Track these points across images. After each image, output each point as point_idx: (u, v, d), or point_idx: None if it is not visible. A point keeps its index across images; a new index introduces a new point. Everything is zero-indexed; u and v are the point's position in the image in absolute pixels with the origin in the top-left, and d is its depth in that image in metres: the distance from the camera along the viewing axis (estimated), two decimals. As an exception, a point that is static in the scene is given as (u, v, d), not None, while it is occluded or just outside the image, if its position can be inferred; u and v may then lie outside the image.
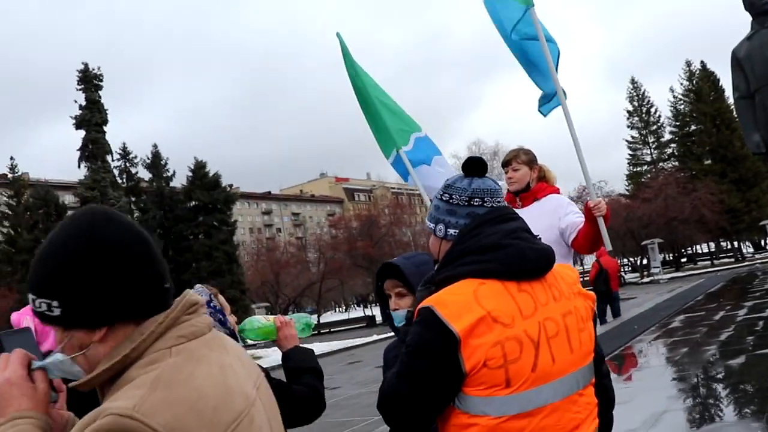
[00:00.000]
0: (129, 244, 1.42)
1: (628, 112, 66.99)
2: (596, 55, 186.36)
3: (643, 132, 66.52)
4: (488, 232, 2.21)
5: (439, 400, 2.11)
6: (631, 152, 67.41)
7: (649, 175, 62.72)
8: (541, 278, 2.20)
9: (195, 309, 1.50)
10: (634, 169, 66.80)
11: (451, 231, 2.28)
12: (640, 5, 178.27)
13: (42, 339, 3.16)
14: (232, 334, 2.95)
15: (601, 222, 4.58)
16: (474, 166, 2.39)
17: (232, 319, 3.02)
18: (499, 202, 2.32)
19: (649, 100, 66.70)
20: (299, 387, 2.87)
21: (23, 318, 3.20)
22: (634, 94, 66.73)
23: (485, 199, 2.30)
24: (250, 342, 3.15)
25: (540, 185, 4.95)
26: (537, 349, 2.07)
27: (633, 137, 66.95)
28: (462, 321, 2.02)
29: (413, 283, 2.90)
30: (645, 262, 53.97)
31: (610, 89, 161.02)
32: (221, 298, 3.03)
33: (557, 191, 5.03)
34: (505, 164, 5.02)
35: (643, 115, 66.41)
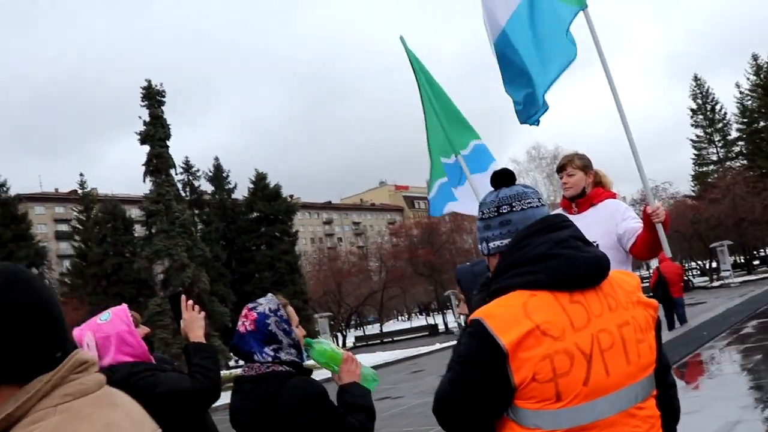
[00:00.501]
0: (26, 309, 1.39)
1: (692, 110, 65.56)
2: (655, 53, 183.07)
3: (708, 130, 65.00)
4: (537, 242, 2.15)
5: (490, 409, 2.08)
6: (696, 152, 65.98)
7: (716, 175, 61.18)
8: (595, 287, 2.13)
9: (85, 367, 1.46)
10: (700, 169, 65.30)
11: (492, 244, 2.26)
12: (701, 1, 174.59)
13: (103, 353, 3.26)
14: (295, 346, 2.99)
15: (660, 228, 4.44)
16: (500, 178, 2.37)
17: (299, 331, 3.05)
18: (529, 203, 2.27)
19: (713, 97, 65.15)
20: (352, 420, 2.86)
21: (85, 334, 3.31)
22: (698, 91, 65.25)
23: (513, 204, 2.26)
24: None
25: (596, 190, 4.85)
26: (589, 362, 2.01)
27: (698, 136, 65.51)
28: (510, 334, 1.98)
29: (470, 291, 2.92)
30: (714, 265, 52.66)
31: (671, 87, 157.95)
32: (290, 309, 3.07)
33: (614, 196, 4.94)
34: (560, 169, 4.94)
35: (708, 113, 64.89)
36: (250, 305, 3.06)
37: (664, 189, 55.33)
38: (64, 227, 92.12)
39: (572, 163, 4.85)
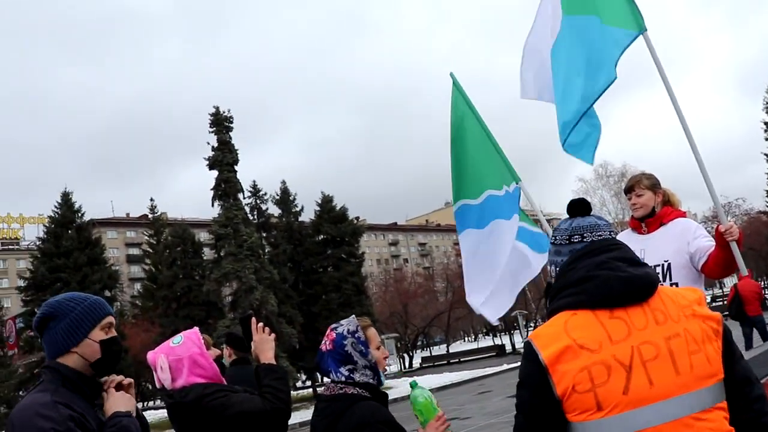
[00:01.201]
0: None
1: (766, 123, 63.86)
2: (726, 67, 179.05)
3: (782, 145, 63.15)
4: (580, 266, 2.35)
5: (548, 428, 2.23)
6: (770, 167, 64.19)
7: (791, 191, 59.44)
8: (642, 303, 2.26)
9: None
10: (774, 185, 63.48)
11: (558, 270, 2.45)
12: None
13: (176, 375, 3.40)
14: (372, 368, 3.09)
15: (734, 246, 4.44)
16: (576, 207, 2.54)
17: (379, 353, 3.13)
18: (599, 236, 2.43)
19: (787, 111, 63.27)
20: None
21: (158, 357, 3.47)
22: (771, 104, 63.51)
23: (584, 235, 2.44)
24: (386, 373, 3.31)
25: (665, 209, 4.88)
26: (629, 372, 2.15)
27: (771, 151, 63.69)
28: (549, 349, 2.19)
29: None
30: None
31: (743, 101, 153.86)
32: (371, 331, 3.18)
33: (683, 215, 4.96)
34: (628, 190, 4.99)
35: (782, 127, 63.09)
36: (333, 325, 3.20)
37: (737, 205, 54.18)
38: (135, 251, 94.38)
39: (640, 184, 4.90)
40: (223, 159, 35.77)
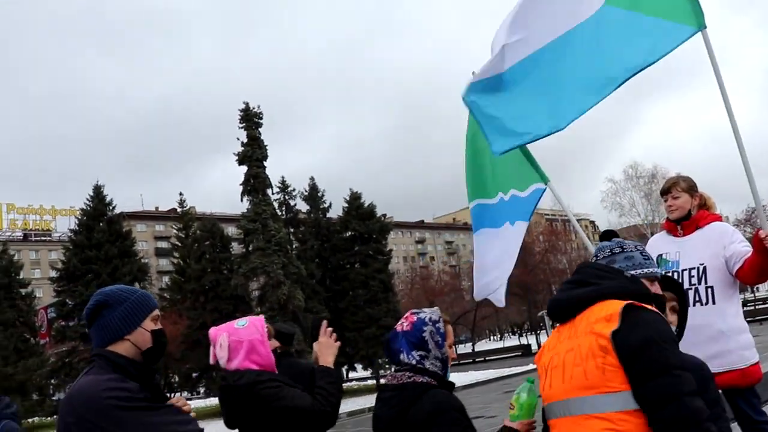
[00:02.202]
0: None
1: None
2: (760, 67, 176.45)
3: (817, 147, 62.38)
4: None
5: None
6: (802, 170, 63.47)
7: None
8: (572, 319, 2.69)
9: None
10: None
11: None
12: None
13: (232, 356, 3.49)
14: (442, 361, 3.10)
15: None
16: (604, 235, 3.07)
17: (450, 352, 3.15)
18: (594, 259, 2.92)
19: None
20: None
21: (220, 334, 3.57)
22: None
23: (598, 255, 2.92)
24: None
25: (702, 213, 4.89)
26: (545, 375, 2.74)
27: (808, 152, 62.87)
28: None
29: (686, 302, 3.25)
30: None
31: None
32: (449, 328, 3.20)
33: (720, 218, 4.97)
34: (664, 192, 5.00)
35: (815, 130, 62.29)
36: (415, 311, 3.22)
37: (769, 209, 53.39)
38: (163, 244, 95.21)
39: (677, 186, 4.91)
40: (253, 154, 36.00)
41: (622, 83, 4.95)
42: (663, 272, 4.62)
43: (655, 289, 2.82)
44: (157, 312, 2.99)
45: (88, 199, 40.41)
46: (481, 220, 6.37)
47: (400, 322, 3.18)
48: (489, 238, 6.28)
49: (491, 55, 5.52)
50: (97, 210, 40.05)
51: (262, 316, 3.74)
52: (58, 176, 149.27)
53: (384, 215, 48.33)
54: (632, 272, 2.77)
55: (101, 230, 39.00)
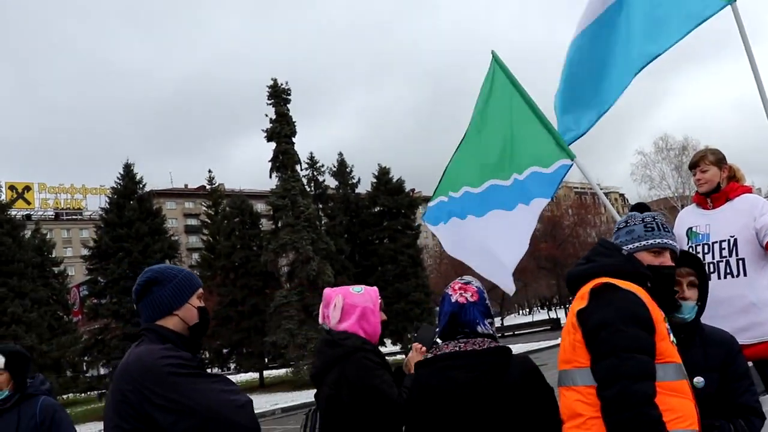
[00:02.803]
0: None
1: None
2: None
3: None
4: None
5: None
6: (837, 140, 62.34)
7: None
8: (576, 294, 2.83)
9: None
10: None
11: None
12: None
13: (344, 318, 3.52)
14: (491, 336, 3.13)
15: None
16: (634, 209, 3.19)
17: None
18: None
19: None
20: None
21: (335, 295, 3.62)
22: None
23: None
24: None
25: (731, 185, 4.84)
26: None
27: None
28: None
29: (705, 277, 3.23)
30: None
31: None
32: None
33: (750, 190, 4.92)
34: (693, 166, 4.97)
35: None
36: (461, 280, 3.29)
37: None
38: (193, 221, 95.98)
39: (706, 159, 4.87)
40: (281, 131, 36.03)
41: (655, 58, 5.15)
42: (692, 245, 4.64)
43: (661, 260, 2.90)
44: (201, 290, 3.13)
45: (118, 178, 40.62)
46: (492, 201, 6.23)
47: (459, 294, 3.17)
48: (501, 219, 6.15)
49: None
50: (128, 188, 40.28)
51: (375, 287, 3.79)
52: (89, 155, 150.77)
53: (413, 190, 48.33)
54: (630, 246, 2.95)
55: (132, 208, 39.22)
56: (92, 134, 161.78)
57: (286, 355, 34.33)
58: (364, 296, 3.59)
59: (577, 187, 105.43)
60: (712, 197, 4.84)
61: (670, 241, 2.98)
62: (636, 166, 58.58)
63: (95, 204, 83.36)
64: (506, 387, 2.90)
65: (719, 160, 4.88)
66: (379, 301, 3.67)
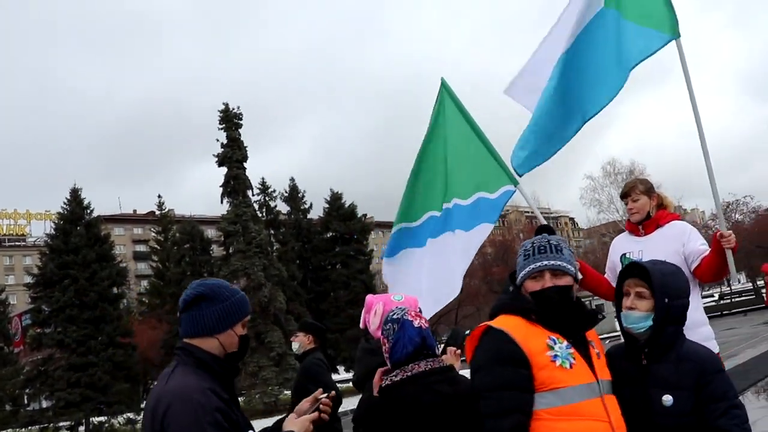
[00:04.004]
0: None
1: (773, 122, 63.58)
2: (735, 66, 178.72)
3: (791, 143, 62.93)
4: None
5: None
6: (778, 165, 63.96)
7: (799, 188, 59.18)
8: None
9: None
10: (784, 182, 63.26)
11: None
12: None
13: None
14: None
15: (729, 254, 4.61)
16: (538, 232, 3.19)
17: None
18: None
19: (795, 109, 63.04)
20: None
21: (377, 301, 3.80)
22: (779, 103, 63.26)
23: None
24: None
25: (661, 212, 5.05)
26: None
27: (780, 149, 63.45)
28: None
29: (656, 287, 3.05)
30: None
31: (749, 101, 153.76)
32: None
33: (678, 217, 5.15)
34: (624, 196, 5.16)
35: (790, 126, 62.84)
36: (401, 308, 3.39)
37: (745, 203, 53.82)
38: (142, 248, 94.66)
39: (636, 189, 5.09)
40: (233, 155, 35.79)
41: (614, 95, 5.36)
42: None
43: (541, 283, 2.92)
44: (248, 318, 3.00)
45: (65, 203, 39.77)
46: (426, 233, 6.35)
47: (416, 319, 3.29)
48: (437, 248, 6.27)
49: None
50: (75, 214, 39.44)
51: (416, 297, 3.93)
52: (33, 180, 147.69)
53: (365, 215, 48.24)
54: (519, 278, 3.03)
55: (79, 234, 38.40)
56: (38, 158, 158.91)
57: (237, 384, 33.78)
58: (404, 304, 3.68)
59: (528, 212, 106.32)
60: (643, 224, 5.04)
61: (546, 262, 2.95)
62: (585, 190, 59.58)
63: (40, 230, 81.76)
64: (463, 396, 3.03)
65: (648, 189, 5.11)
66: (419, 309, 3.71)
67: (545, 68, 5.89)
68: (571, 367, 2.78)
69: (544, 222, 6.17)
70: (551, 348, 2.81)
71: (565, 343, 2.85)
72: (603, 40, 5.46)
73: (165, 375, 2.77)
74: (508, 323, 2.89)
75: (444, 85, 6.52)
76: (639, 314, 3.03)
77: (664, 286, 3.00)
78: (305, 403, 3.06)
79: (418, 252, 6.38)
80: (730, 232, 4.65)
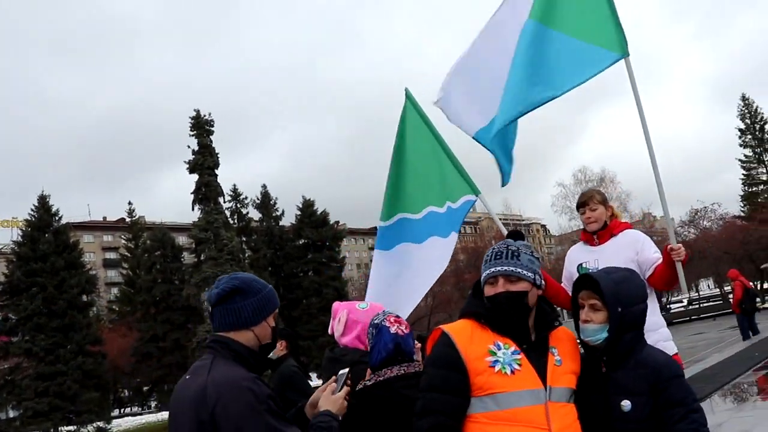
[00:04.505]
0: None
1: (740, 130, 64.34)
2: (702, 75, 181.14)
3: (758, 150, 63.69)
4: None
5: None
6: (745, 172, 64.70)
7: (766, 195, 60.02)
8: None
9: None
10: (750, 190, 64.04)
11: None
12: (743, 21, 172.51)
13: (346, 332, 3.69)
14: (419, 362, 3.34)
15: (679, 266, 4.71)
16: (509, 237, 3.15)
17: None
18: None
19: (762, 117, 63.90)
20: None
21: (342, 309, 3.82)
22: (746, 111, 63.98)
23: None
24: None
25: (614, 222, 5.14)
26: None
27: (746, 156, 64.20)
28: None
29: (608, 298, 3.04)
30: (766, 286, 51.57)
31: (719, 108, 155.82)
32: (418, 345, 3.58)
33: (630, 226, 5.27)
34: (582, 206, 5.20)
35: (757, 133, 63.64)
36: (387, 310, 3.52)
37: (713, 210, 54.43)
38: (112, 255, 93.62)
39: (594, 199, 5.16)
40: (204, 162, 35.65)
41: (546, 102, 5.31)
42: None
43: (494, 289, 2.95)
44: (277, 310, 3.05)
45: (32, 210, 39.40)
46: (402, 234, 6.36)
47: (395, 327, 3.36)
48: (412, 252, 6.28)
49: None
50: (43, 221, 39.07)
51: (381, 305, 3.94)
52: (0, 186, 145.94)
53: (337, 222, 48.19)
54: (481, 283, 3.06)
55: (47, 241, 38.03)
56: (5, 164, 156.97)
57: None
58: (368, 312, 3.74)
59: (501, 218, 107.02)
60: (598, 234, 5.10)
61: (499, 268, 2.98)
62: (556, 197, 60.04)
63: (6, 237, 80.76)
64: None
65: (604, 199, 5.19)
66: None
67: (480, 88, 6.02)
68: (512, 372, 2.80)
69: (504, 230, 6.27)
70: (492, 354, 2.84)
71: (513, 348, 2.86)
72: (537, 56, 5.47)
73: (203, 367, 2.77)
74: (458, 327, 2.96)
75: (408, 96, 6.57)
76: (594, 327, 3.03)
77: (617, 295, 3.00)
78: (320, 392, 3.11)
79: (388, 254, 6.41)
80: (680, 245, 4.74)
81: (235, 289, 2.88)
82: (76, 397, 34.61)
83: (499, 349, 2.86)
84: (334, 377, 3.13)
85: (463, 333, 2.92)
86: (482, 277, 3.04)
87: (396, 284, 6.27)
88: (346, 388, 3.05)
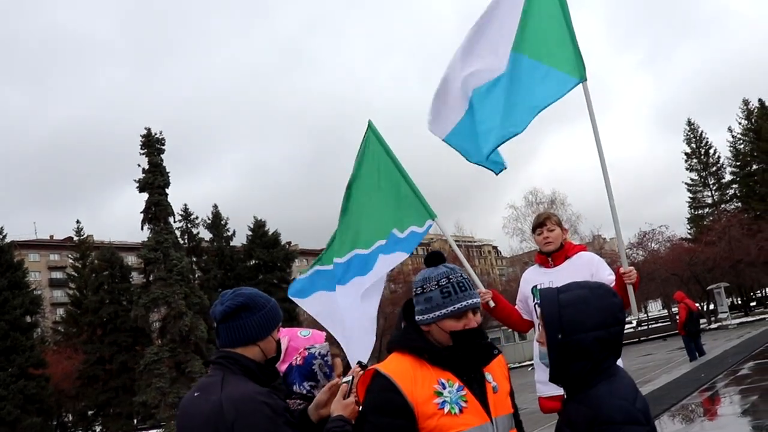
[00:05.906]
0: None
1: (686, 154, 65.86)
2: (649, 101, 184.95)
3: (703, 174, 65.26)
4: None
5: None
6: (691, 195, 66.18)
7: (711, 218, 61.28)
8: None
9: None
10: (696, 212, 65.44)
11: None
12: (690, 50, 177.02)
13: (286, 359, 3.53)
14: (304, 396, 3.28)
15: (630, 289, 4.80)
16: (428, 261, 3.02)
17: (338, 381, 3.23)
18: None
19: (707, 141, 65.44)
20: None
21: (283, 337, 3.59)
22: (692, 135, 65.56)
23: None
24: None
25: (569, 244, 5.24)
26: None
27: (692, 180, 65.74)
28: None
29: (546, 323, 2.73)
30: (711, 307, 52.52)
31: (665, 133, 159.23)
32: (337, 360, 3.47)
33: (584, 248, 5.35)
34: (539, 226, 5.25)
35: (702, 157, 65.17)
36: (308, 345, 3.44)
37: (660, 232, 55.34)
38: (58, 274, 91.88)
39: (550, 220, 5.25)
40: (154, 181, 35.25)
41: (512, 137, 5.40)
42: (538, 302, 4.69)
43: (464, 322, 2.77)
44: (281, 322, 3.11)
45: (-25, 229, 38.52)
46: (351, 271, 6.33)
47: (295, 358, 3.38)
48: (361, 286, 6.27)
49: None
50: (-14, 240, 38.24)
51: (324, 333, 3.86)
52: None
53: (289, 243, 47.95)
54: (429, 315, 2.80)
55: (-10, 261, 37.21)
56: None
57: (157, 416, 32.96)
58: (309, 341, 3.67)
59: (455, 241, 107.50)
60: (553, 256, 5.16)
61: (470, 300, 2.79)
62: (508, 219, 60.59)
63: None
64: None
65: (560, 222, 5.29)
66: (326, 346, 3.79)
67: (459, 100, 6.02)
68: (461, 411, 2.69)
69: (459, 252, 6.30)
70: (439, 394, 2.70)
71: (457, 384, 2.73)
72: (516, 82, 5.55)
73: (213, 384, 2.79)
74: (396, 367, 2.78)
75: (371, 128, 6.57)
76: (543, 350, 2.75)
77: (558, 320, 2.64)
78: (324, 394, 3.11)
79: (333, 295, 6.37)
80: (632, 268, 4.83)
81: (241, 306, 2.92)
82: (16, 422, 33.79)
83: (444, 387, 2.73)
84: (337, 380, 3.17)
85: (405, 375, 2.74)
86: (447, 311, 2.78)
87: (350, 320, 6.31)
88: (352, 398, 3.04)
